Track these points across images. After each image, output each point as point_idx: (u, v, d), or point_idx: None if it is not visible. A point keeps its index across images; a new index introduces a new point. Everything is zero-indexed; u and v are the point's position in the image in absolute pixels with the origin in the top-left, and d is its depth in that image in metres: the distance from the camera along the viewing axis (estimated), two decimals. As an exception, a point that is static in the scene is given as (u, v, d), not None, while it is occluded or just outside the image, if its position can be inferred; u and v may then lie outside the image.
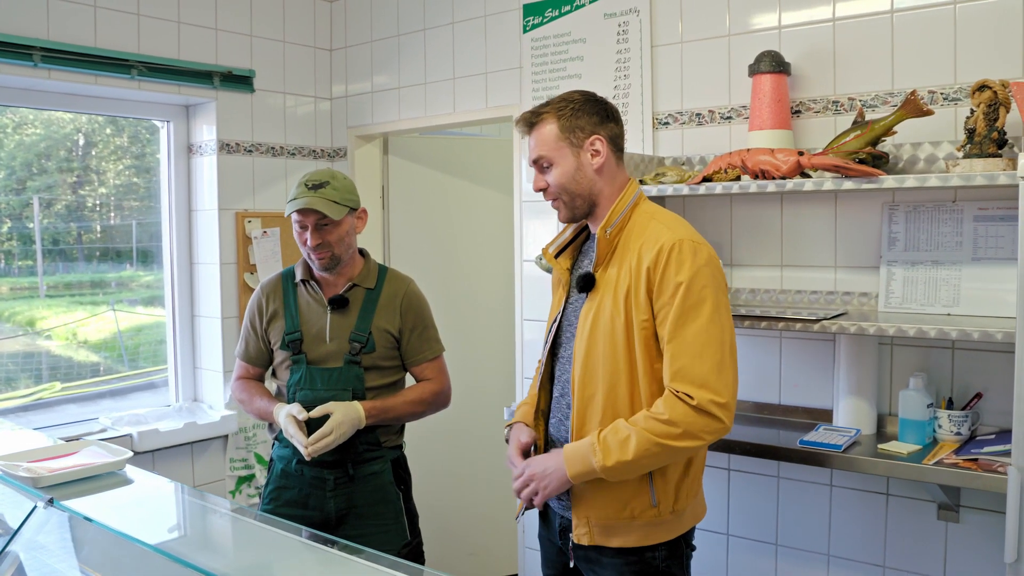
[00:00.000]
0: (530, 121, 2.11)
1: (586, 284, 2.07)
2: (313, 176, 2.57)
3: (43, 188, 3.58)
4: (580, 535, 2.06)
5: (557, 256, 2.22)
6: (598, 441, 1.95)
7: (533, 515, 3.41)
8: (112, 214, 3.84)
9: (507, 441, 2.25)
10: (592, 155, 2.09)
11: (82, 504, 1.69)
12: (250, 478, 3.81)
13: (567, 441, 2.09)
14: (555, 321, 2.18)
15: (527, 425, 2.22)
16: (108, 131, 3.83)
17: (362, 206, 2.68)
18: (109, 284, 3.84)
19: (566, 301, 2.18)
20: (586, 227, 2.24)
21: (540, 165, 2.11)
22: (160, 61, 3.47)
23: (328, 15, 4.13)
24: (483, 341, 4.14)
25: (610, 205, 2.11)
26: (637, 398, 2.01)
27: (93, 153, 3.77)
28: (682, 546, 2.12)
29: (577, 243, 2.25)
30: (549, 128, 2.08)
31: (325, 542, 1.61)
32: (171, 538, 1.66)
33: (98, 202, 3.78)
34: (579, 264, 2.21)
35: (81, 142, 3.74)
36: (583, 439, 2.00)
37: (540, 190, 2.13)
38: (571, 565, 2.14)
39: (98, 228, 3.81)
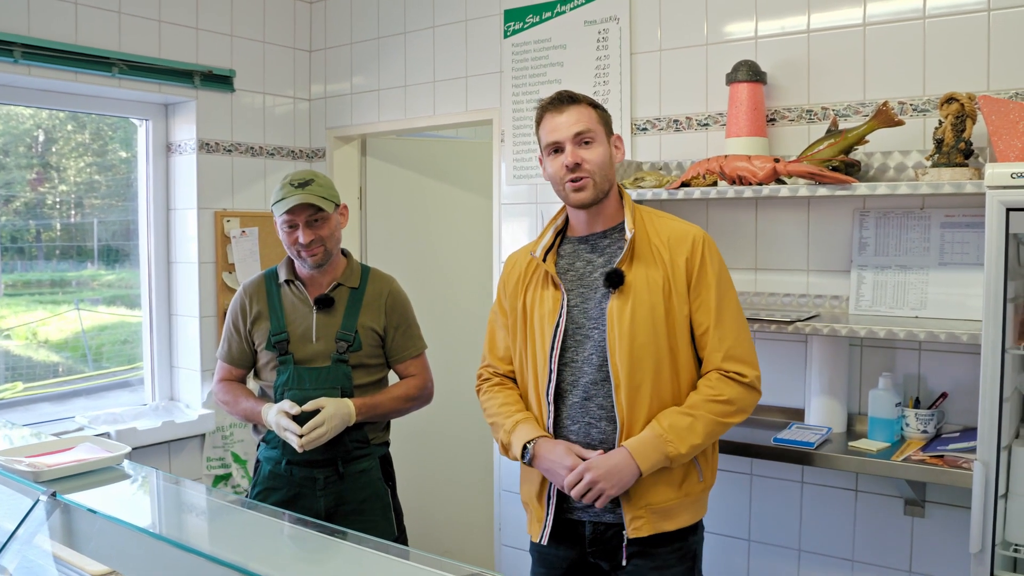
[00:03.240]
0: (571, 97, 2.13)
1: (615, 280, 2.08)
2: (296, 176, 2.59)
3: (1, 185, 3.55)
4: (638, 527, 2.06)
5: (544, 259, 2.21)
6: (667, 431, 2.02)
7: (510, 521, 3.47)
8: (73, 212, 3.81)
9: (528, 461, 2.12)
10: (615, 149, 2.18)
11: (85, 497, 1.72)
12: (227, 477, 3.82)
13: (601, 443, 2.09)
14: (556, 325, 2.14)
15: (551, 436, 2.14)
16: (69, 127, 3.80)
17: (343, 202, 2.71)
18: (70, 283, 3.81)
19: (567, 304, 2.15)
20: (562, 231, 2.25)
21: (581, 139, 2.09)
22: (141, 59, 3.48)
23: (308, 16, 4.16)
24: (460, 343, 4.18)
25: (614, 202, 2.18)
26: (677, 385, 2.10)
27: (53, 150, 3.74)
28: (703, 527, 2.23)
29: (555, 247, 2.24)
30: (589, 111, 2.13)
31: (326, 530, 1.66)
32: (175, 528, 1.69)
33: (58, 199, 3.75)
34: (569, 266, 2.19)
35: (41, 138, 3.70)
36: (643, 433, 2.03)
37: (575, 164, 2.08)
38: (623, 564, 2.10)
39: (58, 226, 3.78)
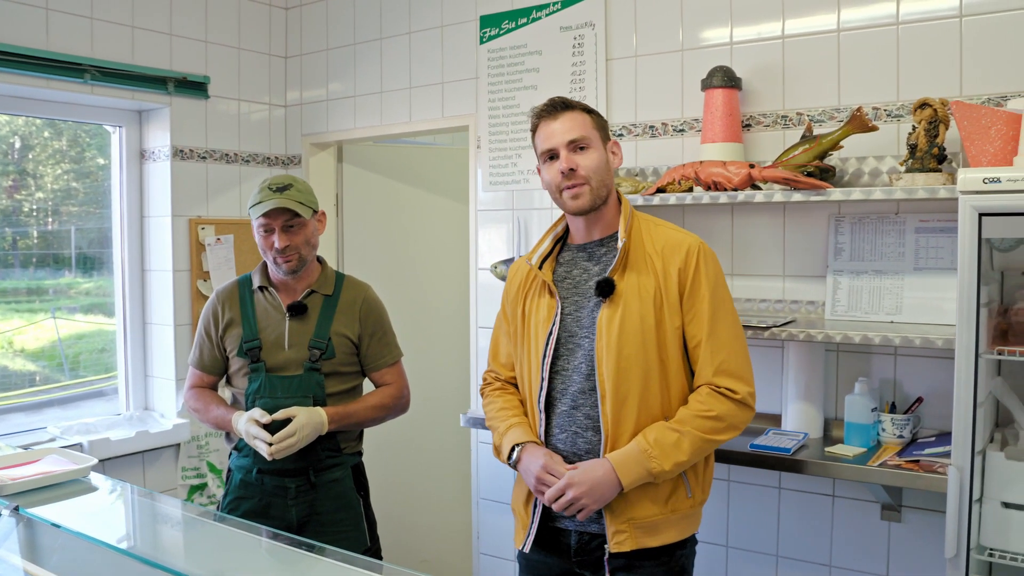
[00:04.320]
0: (565, 104, 2.12)
1: (606, 289, 2.07)
2: (275, 180, 2.58)
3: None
4: (620, 541, 2.03)
5: (541, 267, 2.19)
6: (652, 446, 1.98)
7: (489, 529, 3.46)
8: (50, 219, 3.77)
9: (512, 464, 2.14)
10: (612, 155, 2.16)
11: (48, 511, 1.68)
12: (202, 487, 3.77)
13: (587, 453, 2.08)
14: (549, 333, 2.14)
15: (539, 443, 2.13)
16: (46, 134, 3.75)
17: (320, 209, 2.70)
18: (47, 291, 3.76)
19: (561, 312, 2.14)
20: (562, 238, 2.25)
21: (576, 146, 2.09)
22: (114, 66, 3.44)
23: (284, 22, 4.13)
24: (437, 349, 4.16)
25: (612, 209, 2.16)
26: (667, 397, 2.06)
27: (30, 156, 3.69)
28: (695, 541, 2.19)
29: (554, 254, 2.23)
30: (584, 117, 2.12)
31: (294, 543, 1.63)
32: (141, 542, 1.66)
33: (35, 207, 3.71)
34: (566, 274, 2.18)
35: (17, 145, 3.66)
36: (627, 447, 2.01)
37: (570, 169, 2.07)
38: None
39: (35, 234, 3.74)
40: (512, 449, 2.13)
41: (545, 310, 2.16)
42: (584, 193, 2.09)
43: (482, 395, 2.37)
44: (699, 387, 2.07)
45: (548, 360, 2.12)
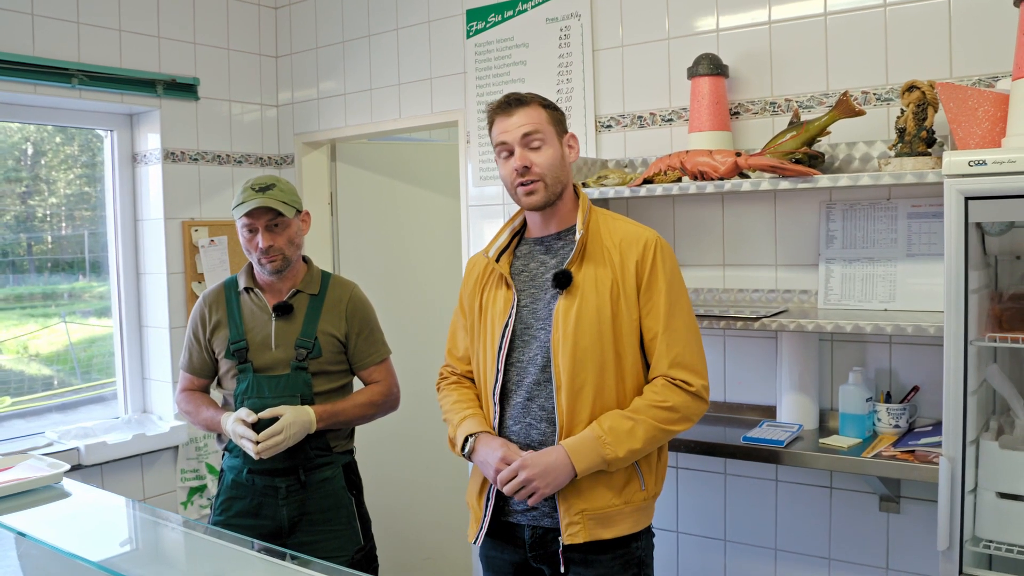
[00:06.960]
0: (519, 99, 2.10)
1: (563, 281, 2.07)
2: (258, 180, 2.57)
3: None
4: (573, 533, 2.02)
5: (498, 260, 2.21)
6: (606, 433, 1.98)
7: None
8: (63, 224, 3.78)
9: (467, 456, 2.11)
10: (568, 149, 2.16)
11: (16, 519, 1.66)
12: (202, 488, 3.77)
13: (540, 444, 2.07)
14: (505, 325, 2.15)
15: (493, 433, 2.13)
16: (58, 140, 3.77)
17: (304, 209, 2.69)
18: (61, 296, 3.78)
19: (517, 304, 2.15)
20: (520, 231, 2.25)
21: (529, 142, 2.08)
22: (101, 70, 3.43)
23: (273, 22, 4.11)
24: (431, 345, 4.12)
25: (569, 203, 2.16)
26: (622, 389, 2.06)
27: (42, 163, 3.71)
28: (652, 533, 2.18)
29: (511, 248, 2.24)
30: (539, 112, 2.11)
31: (274, 554, 1.60)
32: (109, 552, 1.64)
33: (48, 212, 3.72)
34: (523, 267, 2.19)
35: (30, 151, 3.67)
36: (582, 433, 2.00)
37: (524, 167, 2.07)
38: (562, 571, 2.08)
39: (49, 239, 3.75)
40: (466, 440, 2.12)
41: (502, 303, 2.17)
42: (538, 190, 2.10)
43: (438, 390, 2.38)
44: (654, 379, 2.07)
45: (504, 352, 2.13)
